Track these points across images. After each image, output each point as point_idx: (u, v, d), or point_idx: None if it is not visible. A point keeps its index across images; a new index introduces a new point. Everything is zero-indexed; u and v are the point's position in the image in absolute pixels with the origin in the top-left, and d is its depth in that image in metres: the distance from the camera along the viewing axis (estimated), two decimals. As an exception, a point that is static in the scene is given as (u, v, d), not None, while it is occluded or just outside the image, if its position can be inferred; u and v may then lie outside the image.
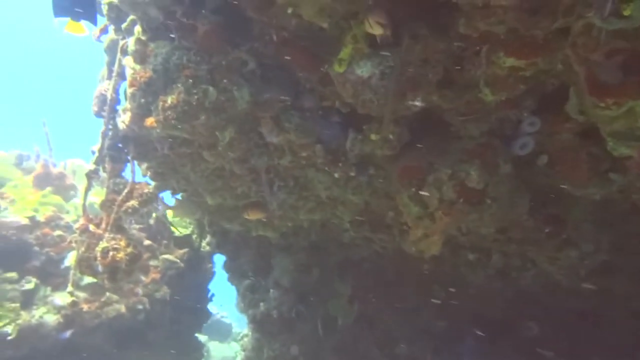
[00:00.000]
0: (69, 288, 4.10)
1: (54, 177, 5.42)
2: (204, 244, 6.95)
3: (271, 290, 5.71)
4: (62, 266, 4.97)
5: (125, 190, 3.06)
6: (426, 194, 2.49)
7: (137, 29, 2.65)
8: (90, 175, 3.10)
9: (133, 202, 3.05)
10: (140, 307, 5.22)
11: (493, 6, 1.84)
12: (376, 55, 2.26)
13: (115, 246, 3.01)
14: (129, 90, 2.47)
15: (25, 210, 4.89)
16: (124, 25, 2.73)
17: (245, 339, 7.83)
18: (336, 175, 2.90)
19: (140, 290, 5.28)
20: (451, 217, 2.45)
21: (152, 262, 5.63)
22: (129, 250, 3.07)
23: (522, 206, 2.66)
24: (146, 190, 3.05)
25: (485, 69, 2.13)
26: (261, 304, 5.76)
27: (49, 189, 5.30)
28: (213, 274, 7.50)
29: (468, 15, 1.92)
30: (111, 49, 2.91)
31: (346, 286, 5.37)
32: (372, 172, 3.00)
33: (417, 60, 2.19)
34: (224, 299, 7.93)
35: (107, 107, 2.96)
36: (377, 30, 2.10)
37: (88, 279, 4.91)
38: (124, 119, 2.62)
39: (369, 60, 2.30)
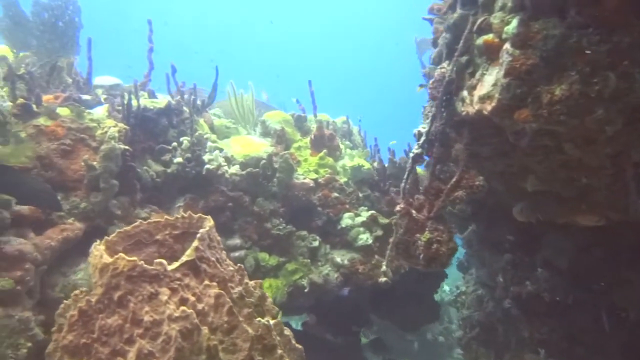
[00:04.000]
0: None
1: (326, 139, 5.68)
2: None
3: (539, 270, 5.24)
4: (339, 227, 5.29)
5: (454, 179, 2.87)
6: None
7: (501, 3, 2.29)
8: (416, 159, 2.98)
9: (461, 193, 2.85)
10: (402, 271, 5.34)
11: None
12: None
13: (439, 239, 2.90)
14: (504, 80, 2.16)
15: (309, 172, 5.29)
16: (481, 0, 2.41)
17: (463, 297, 7.78)
18: None
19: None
20: None
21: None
22: (451, 245, 2.94)
23: None
24: (477, 183, 2.81)
25: None
26: (527, 282, 5.35)
27: (324, 150, 5.59)
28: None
29: None
30: (457, 26, 2.62)
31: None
32: None
33: None
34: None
35: (443, 89, 2.75)
36: None
37: (362, 241, 5.18)
38: (482, 107, 2.35)
39: None
